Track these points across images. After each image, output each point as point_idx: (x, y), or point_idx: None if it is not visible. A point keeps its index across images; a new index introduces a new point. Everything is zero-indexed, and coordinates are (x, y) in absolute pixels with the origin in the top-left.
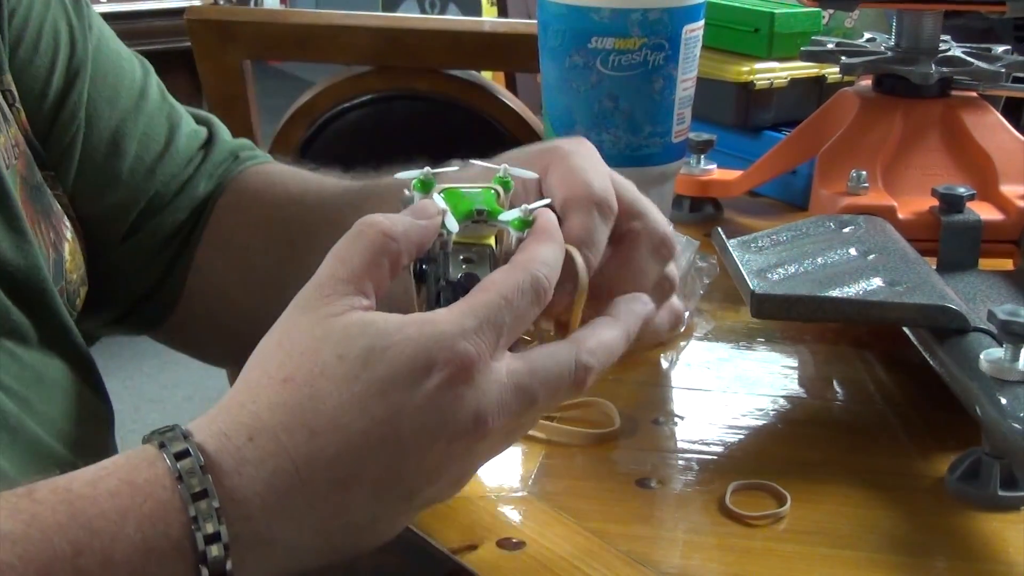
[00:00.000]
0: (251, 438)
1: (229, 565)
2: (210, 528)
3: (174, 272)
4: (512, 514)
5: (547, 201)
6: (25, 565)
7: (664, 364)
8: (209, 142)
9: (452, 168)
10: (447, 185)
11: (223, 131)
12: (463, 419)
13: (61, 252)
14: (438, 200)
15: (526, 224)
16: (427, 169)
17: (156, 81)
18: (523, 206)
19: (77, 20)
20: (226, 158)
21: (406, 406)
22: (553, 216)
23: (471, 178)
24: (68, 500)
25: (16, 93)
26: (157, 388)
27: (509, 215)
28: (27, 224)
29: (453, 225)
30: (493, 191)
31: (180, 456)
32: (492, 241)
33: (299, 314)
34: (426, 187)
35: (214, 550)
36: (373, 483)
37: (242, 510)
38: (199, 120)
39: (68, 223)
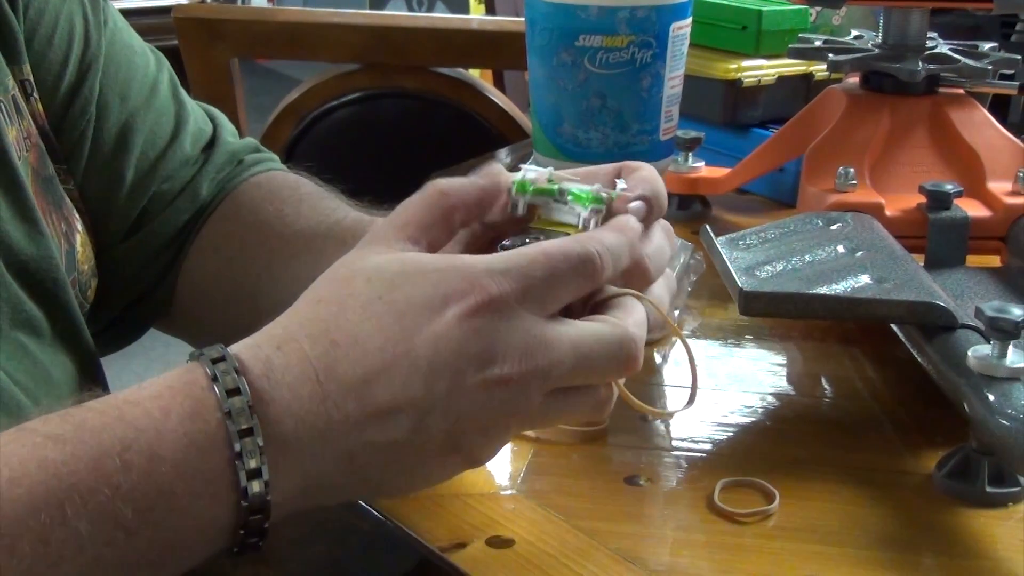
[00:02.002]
0: (279, 347)
1: (265, 470)
2: (244, 424)
3: (170, 274)
4: (501, 512)
5: (623, 185)
6: (76, 461)
7: (657, 360)
8: (212, 143)
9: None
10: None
11: (227, 131)
12: (477, 353)
13: (73, 243)
14: (527, 170)
15: (598, 200)
16: (550, 169)
17: (168, 77)
18: (597, 185)
19: (92, 14)
20: (228, 161)
21: (422, 330)
22: (635, 220)
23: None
24: (115, 405)
25: (34, 84)
26: None
27: (582, 188)
28: (40, 214)
29: (532, 175)
30: (594, 191)
31: (216, 360)
32: (571, 231)
33: (350, 254)
34: (523, 187)
35: (248, 443)
36: (390, 404)
37: (271, 412)
38: (209, 117)
39: (78, 216)
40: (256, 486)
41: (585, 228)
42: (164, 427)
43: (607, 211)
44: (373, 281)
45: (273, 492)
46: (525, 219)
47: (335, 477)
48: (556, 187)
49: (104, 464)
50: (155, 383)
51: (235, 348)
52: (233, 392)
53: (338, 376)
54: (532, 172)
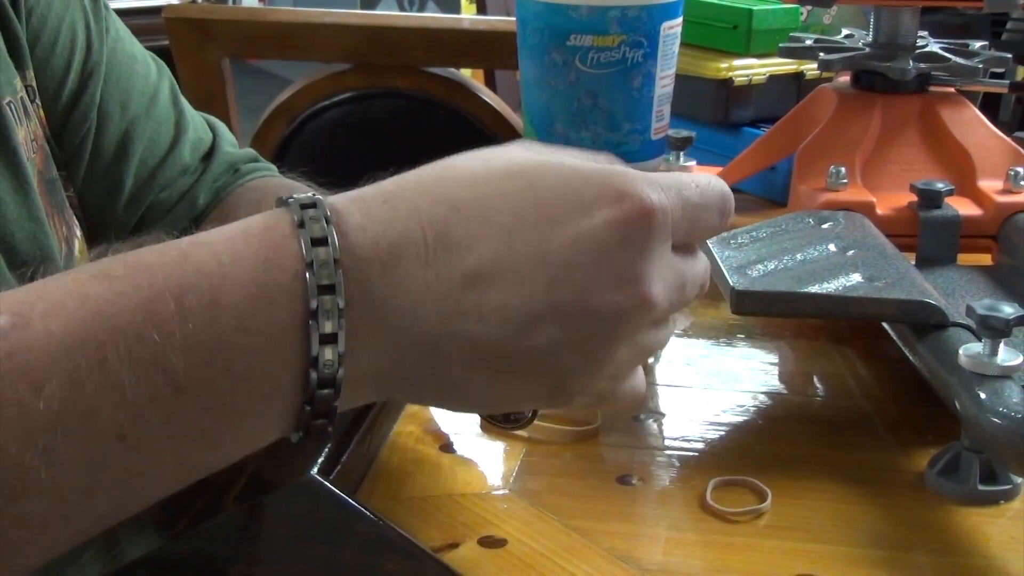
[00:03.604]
0: (386, 200)
1: (342, 337)
2: (325, 279)
3: None
4: (494, 512)
5: (694, 163)
6: (123, 300)
7: (649, 359)
8: (211, 153)
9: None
10: None
11: (227, 141)
12: (619, 267)
13: (72, 248)
14: None
15: None
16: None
17: (169, 85)
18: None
19: (95, 22)
20: (226, 171)
21: (563, 226)
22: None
23: None
24: (179, 246)
25: (37, 89)
26: None
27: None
28: (45, 215)
29: None
30: None
31: (305, 206)
32: None
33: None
34: None
35: (327, 302)
36: (500, 298)
37: (360, 272)
38: (209, 126)
39: (77, 222)
40: (329, 353)
41: None
42: (232, 273)
43: None
44: (514, 164)
45: (347, 366)
46: None
47: (415, 365)
48: None
49: (156, 307)
50: (233, 226)
51: (333, 198)
52: (319, 242)
53: (451, 244)
54: None
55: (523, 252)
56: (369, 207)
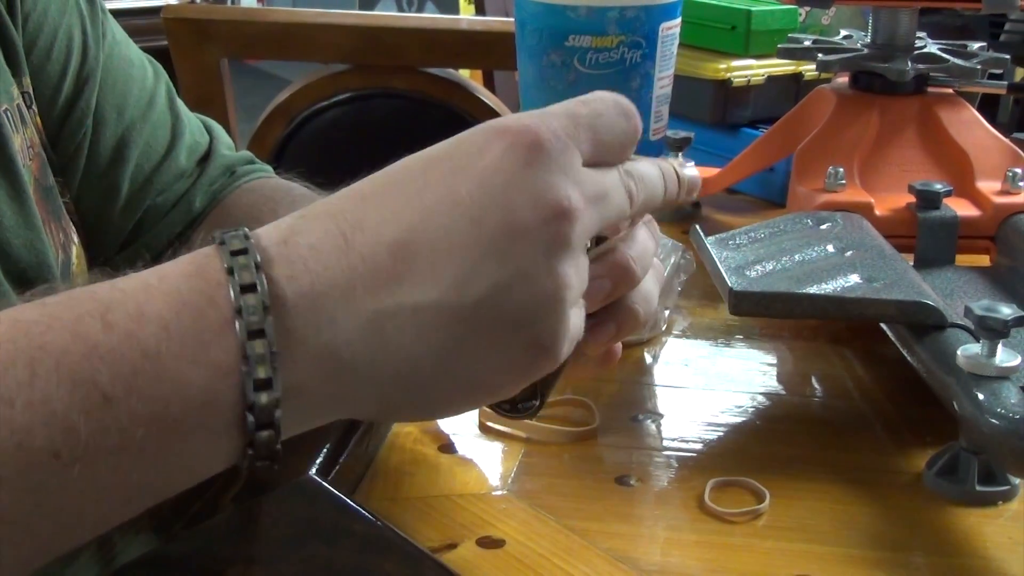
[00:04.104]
0: (303, 216)
1: (270, 330)
2: (247, 279)
3: None
4: (492, 512)
5: (692, 164)
6: (52, 321)
7: (648, 360)
8: (207, 156)
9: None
10: None
11: (223, 144)
12: (534, 186)
13: (69, 254)
14: None
15: None
16: None
17: (166, 89)
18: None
19: (91, 27)
20: (222, 173)
21: (466, 170)
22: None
23: None
24: (111, 278)
25: (33, 96)
26: None
27: None
28: (41, 223)
29: None
30: None
31: (227, 232)
32: None
33: None
34: None
35: (250, 299)
36: (430, 252)
37: (283, 270)
38: (205, 129)
39: (74, 228)
40: (259, 347)
41: None
42: (156, 288)
43: None
44: (411, 156)
45: (284, 363)
46: None
47: (360, 350)
48: None
49: (83, 324)
50: (165, 265)
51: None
52: (239, 252)
53: (367, 226)
54: None
55: (437, 208)
56: (288, 224)
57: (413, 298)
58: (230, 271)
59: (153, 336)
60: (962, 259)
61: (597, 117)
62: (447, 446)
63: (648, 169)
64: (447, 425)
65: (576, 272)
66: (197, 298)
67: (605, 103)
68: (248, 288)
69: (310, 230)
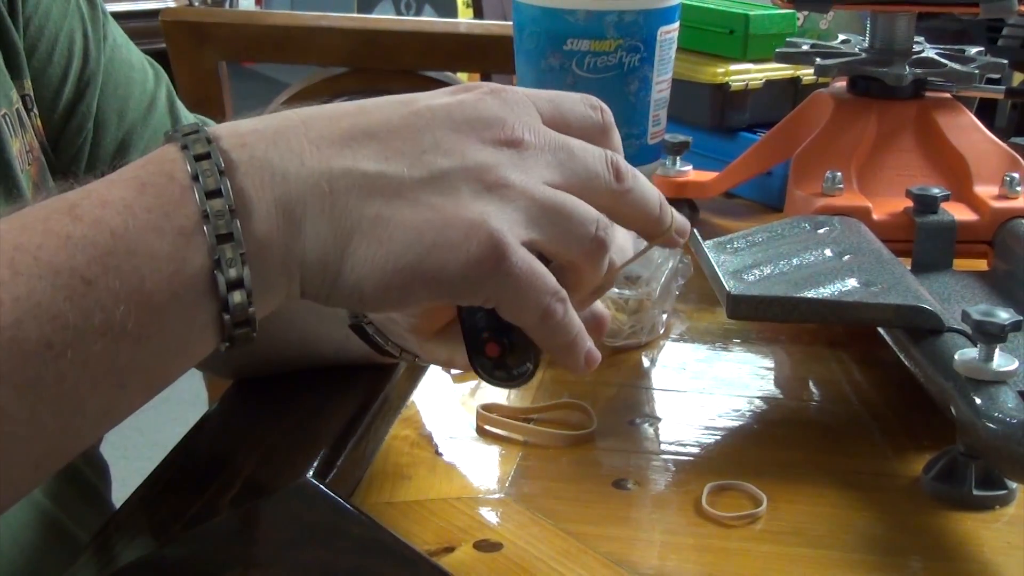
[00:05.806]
0: (261, 119)
1: (228, 189)
2: (200, 149)
3: None
4: (489, 516)
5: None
6: (24, 224)
7: (646, 363)
8: None
9: None
10: None
11: None
12: (485, 116)
13: None
14: None
15: None
16: None
17: (167, 92)
18: None
19: (93, 30)
20: None
21: (421, 97)
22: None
23: None
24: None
25: (34, 99)
26: None
27: None
28: None
29: None
30: None
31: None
32: None
33: None
34: None
35: (205, 165)
36: (383, 127)
37: (236, 141)
38: None
39: None
40: (218, 205)
41: None
42: (117, 180)
43: None
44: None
45: (243, 218)
46: None
47: (314, 212)
48: None
49: (53, 222)
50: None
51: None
52: (190, 133)
53: (324, 114)
54: None
55: (390, 107)
56: (247, 125)
57: (364, 166)
58: (184, 147)
59: (119, 215)
60: (960, 263)
61: (558, 96)
62: (444, 450)
63: (644, 183)
64: (444, 429)
65: (522, 179)
66: (156, 177)
67: (570, 94)
68: (203, 157)
69: (267, 121)
